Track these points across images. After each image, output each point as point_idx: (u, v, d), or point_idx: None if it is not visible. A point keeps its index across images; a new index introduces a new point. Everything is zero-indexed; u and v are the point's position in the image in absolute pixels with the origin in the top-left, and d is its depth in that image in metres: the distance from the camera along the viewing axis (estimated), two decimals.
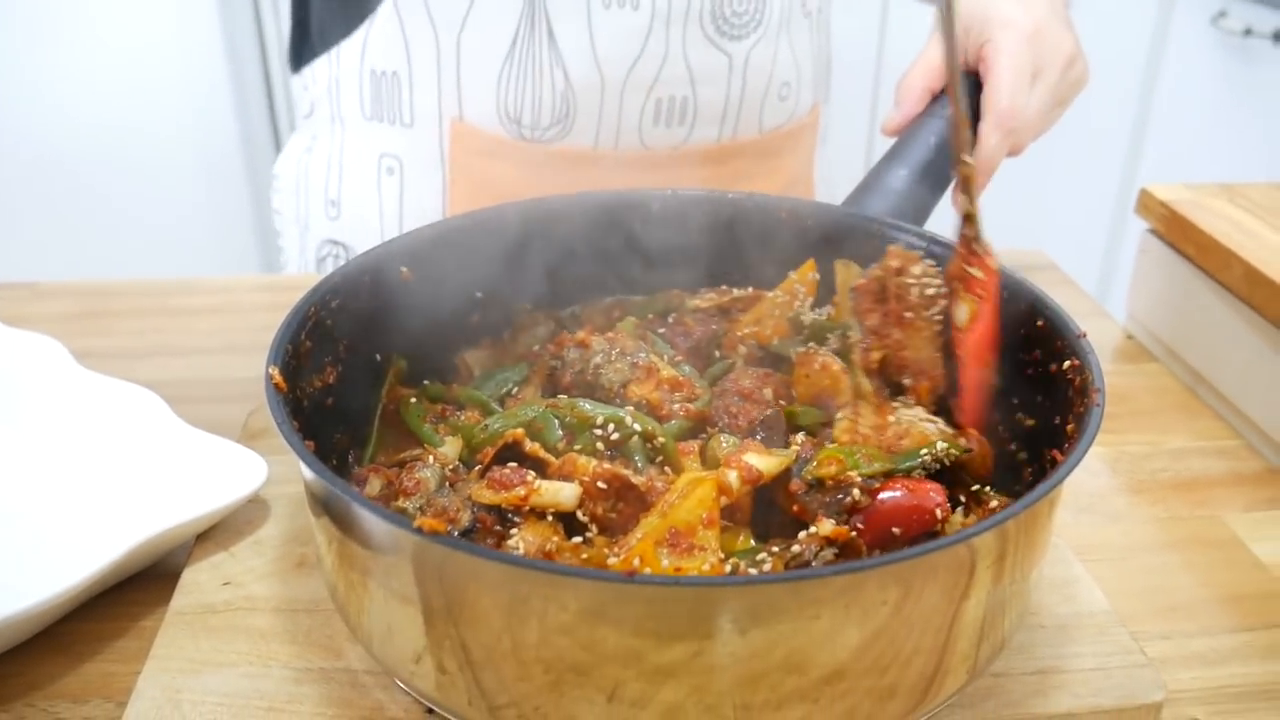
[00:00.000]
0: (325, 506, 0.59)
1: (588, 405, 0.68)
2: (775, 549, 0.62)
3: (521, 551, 0.59)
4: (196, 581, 0.76)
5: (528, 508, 0.62)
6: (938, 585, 0.53)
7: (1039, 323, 0.73)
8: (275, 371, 0.64)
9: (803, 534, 0.61)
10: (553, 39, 1.06)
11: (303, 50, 1.24)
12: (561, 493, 0.62)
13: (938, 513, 0.62)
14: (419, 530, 0.52)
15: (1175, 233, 1.06)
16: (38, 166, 2.45)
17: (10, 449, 0.85)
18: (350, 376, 0.76)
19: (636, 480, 0.62)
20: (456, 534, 0.61)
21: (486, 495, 0.62)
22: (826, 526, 0.61)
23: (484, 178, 1.14)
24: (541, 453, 0.65)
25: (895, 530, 0.62)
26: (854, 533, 0.61)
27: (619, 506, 0.62)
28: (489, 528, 0.62)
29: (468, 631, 0.54)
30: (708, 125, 1.14)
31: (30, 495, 0.81)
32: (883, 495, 0.63)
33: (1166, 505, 0.89)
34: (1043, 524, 0.60)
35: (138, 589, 0.76)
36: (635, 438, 0.66)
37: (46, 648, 0.71)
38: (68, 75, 2.39)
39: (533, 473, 0.63)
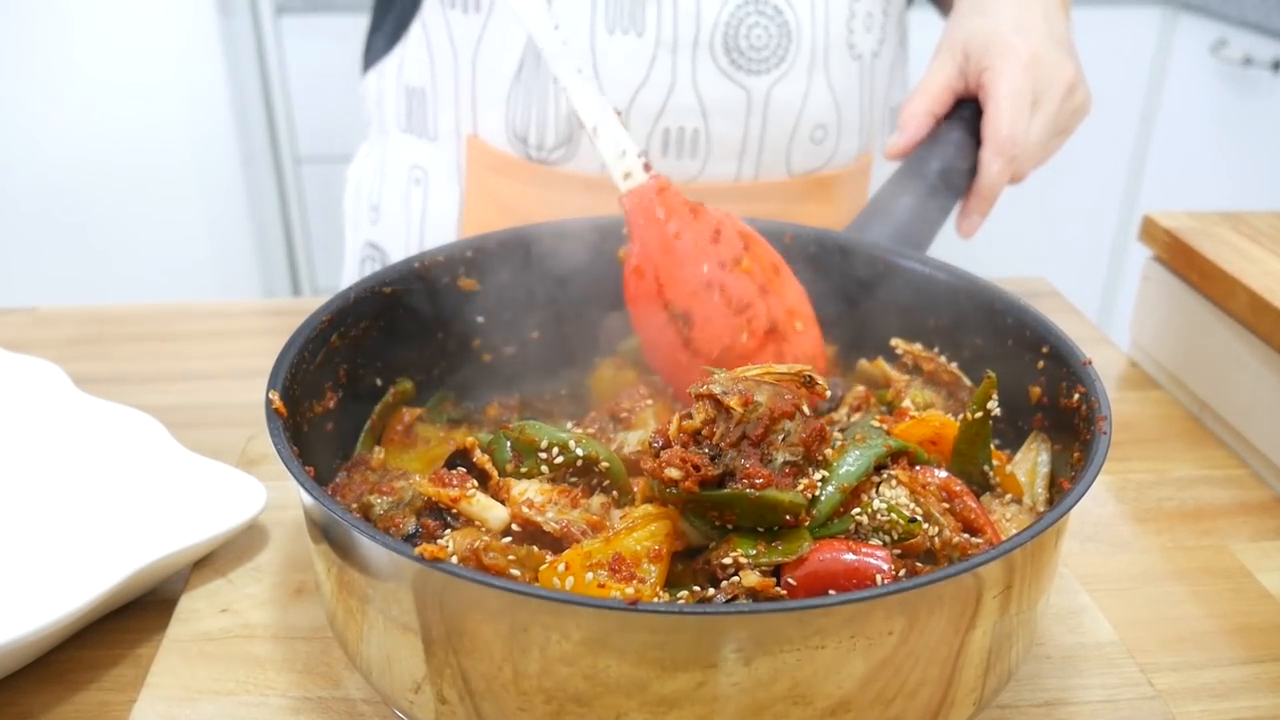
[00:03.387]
0: (325, 533, 0.59)
1: (533, 428, 0.67)
2: (696, 588, 0.60)
3: (451, 550, 0.58)
4: (194, 609, 0.75)
5: (460, 514, 0.62)
6: (944, 615, 0.53)
7: (1044, 349, 0.72)
8: (275, 396, 0.64)
9: (725, 583, 0.58)
10: None
11: (367, 61, 1.27)
12: (491, 511, 0.62)
13: (878, 578, 0.57)
14: (420, 557, 0.51)
15: (1179, 260, 1.06)
16: (38, 192, 2.45)
17: (8, 474, 0.84)
18: (351, 401, 0.76)
19: (550, 528, 0.61)
20: (400, 538, 0.62)
21: (425, 486, 0.63)
22: (751, 578, 0.57)
23: (497, 195, 1.15)
24: (488, 465, 0.66)
25: (831, 592, 0.56)
26: (783, 591, 0.57)
27: (528, 547, 0.61)
28: (431, 533, 0.62)
29: (468, 660, 0.53)
30: (723, 161, 1.11)
31: (27, 520, 0.80)
32: (822, 555, 0.58)
33: (1173, 534, 0.88)
34: (1049, 553, 0.60)
35: (134, 616, 0.76)
36: (579, 462, 0.66)
37: (41, 676, 0.70)
38: (69, 101, 2.40)
39: (474, 482, 0.64)
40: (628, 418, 0.72)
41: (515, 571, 0.58)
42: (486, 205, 1.16)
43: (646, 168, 0.75)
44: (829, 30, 1.09)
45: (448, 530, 0.62)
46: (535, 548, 0.60)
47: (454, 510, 0.63)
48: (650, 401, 0.74)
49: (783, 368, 0.64)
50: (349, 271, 1.37)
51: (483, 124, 1.13)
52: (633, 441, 0.71)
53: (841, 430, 0.68)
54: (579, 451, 0.66)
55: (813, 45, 1.09)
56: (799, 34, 1.07)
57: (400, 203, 1.24)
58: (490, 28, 1.09)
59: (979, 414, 0.67)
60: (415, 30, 1.15)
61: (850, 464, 0.63)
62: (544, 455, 0.66)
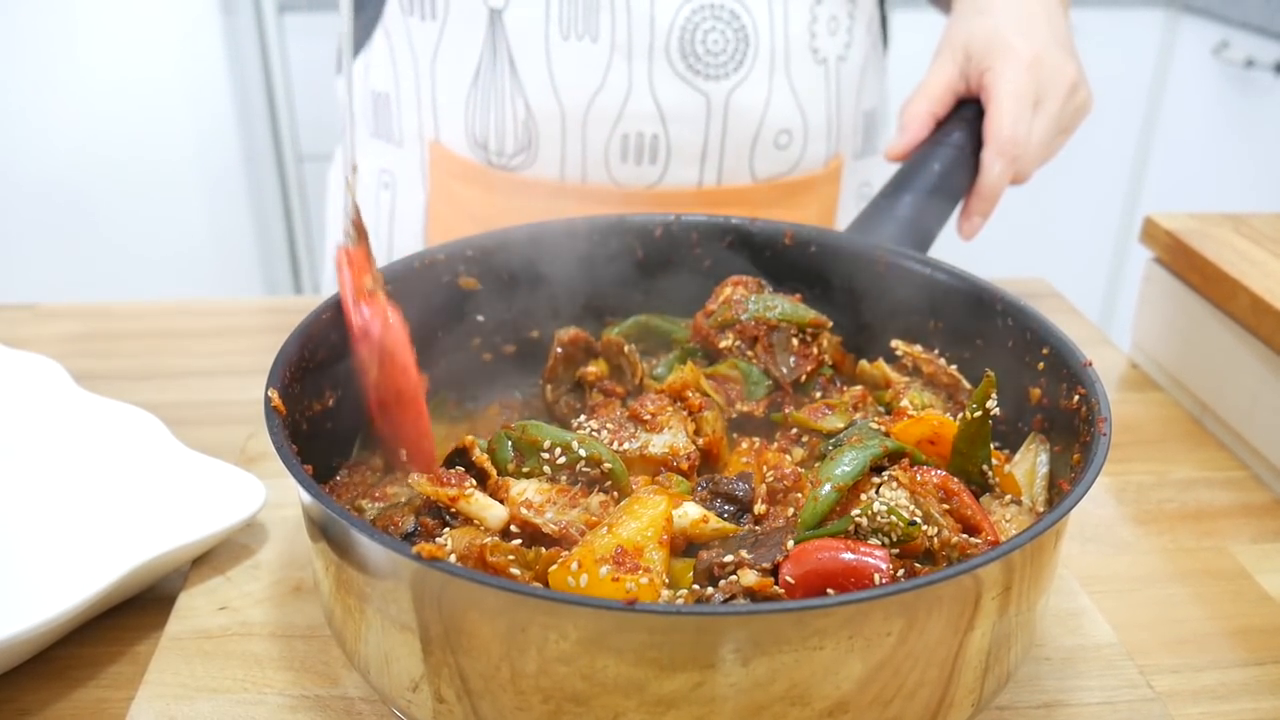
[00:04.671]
0: (323, 531, 0.59)
1: (536, 428, 0.68)
2: (695, 586, 0.60)
3: (450, 549, 0.58)
4: (192, 606, 0.75)
5: (458, 513, 0.62)
6: (942, 616, 0.53)
7: (1044, 351, 0.72)
8: (274, 394, 0.64)
9: (723, 582, 0.58)
10: (513, 68, 1.06)
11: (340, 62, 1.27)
12: (489, 511, 0.62)
13: (876, 577, 0.57)
14: (418, 556, 0.51)
15: (1180, 262, 1.06)
16: (39, 188, 2.45)
17: (8, 470, 0.84)
18: (349, 400, 0.75)
19: (549, 530, 0.61)
20: (399, 537, 0.62)
21: (424, 485, 0.63)
22: (749, 577, 0.57)
23: (459, 200, 1.15)
24: (486, 463, 0.66)
25: (829, 590, 0.56)
26: (780, 589, 0.57)
27: (537, 549, 0.61)
28: (430, 532, 0.62)
29: (466, 660, 0.53)
30: (684, 166, 1.11)
31: (26, 517, 0.80)
32: (821, 555, 0.58)
33: (1173, 536, 0.88)
34: (1049, 554, 0.59)
35: (133, 613, 0.75)
36: (581, 463, 0.66)
37: (40, 673, 0.70)
38: (71, 97, 2.40)
39: (473, 481, 0.63)
40: (651, 420, 0.73)
41: (516, 571, 0.58)
42: (450, 211, 1.16)
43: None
44: (789, 34, 1.08)
45: (446, 529, 0.62)
46: (544, 549, 0.60)
47: (453, 509, 0.63)
48: (673, 408, 0.75)
49: None
50: (329, 273, 1.36)
51: (444, 130, 1.13)
52: (658, 444, 0.71)
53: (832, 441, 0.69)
54: (581, 452, 0.66)
55: (772, 49, 1.08)
56: (756, 38, 1.06)
57: (371, 206, 1.24)
58: (447, 35, 1.08)
59: (979, 413, 0.67)
60: (379, 35, 1.15)
61: (846, 464, 0.63)
62: (546, 455, 0.66)
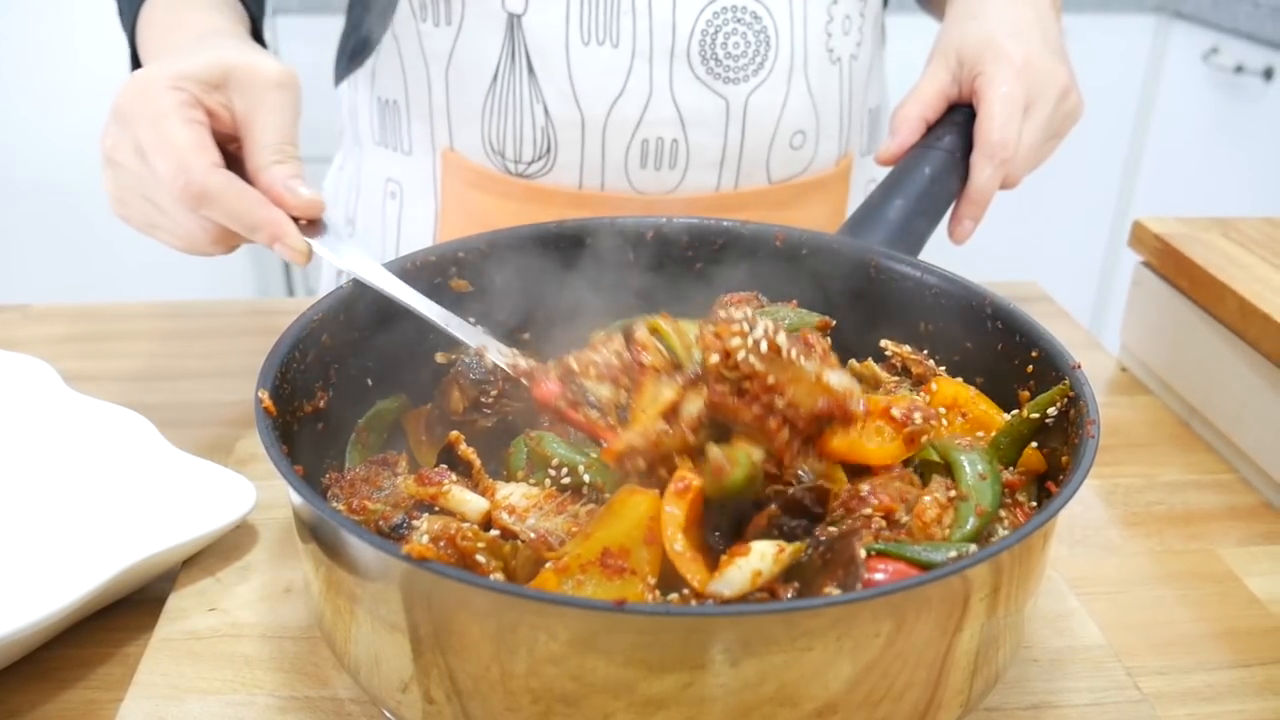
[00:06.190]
0: (313, 532, 0.59)
1: (550, 443, 0.68)
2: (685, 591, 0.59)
3: (424, 529, 0.58)
4: (182, 607, 0.75)
5: (439, 507, 0.64)
6: (931, 617, 0.53)
7: (1034, 353, 0.73)
8: (265, 395, 0.64)
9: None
10: (532, 74, 1.06)
11: (339, 71, 1.25)
12: (467, 504, 0.63)
13: None
14: (407, 556, 0.51)
15: (1169, 266, 1.07)
16: (30, 189, 2.45)
17: None
18: (341, 401, 0.75)
19: (526, 538, 0.61)
20: (388, 529, 0.63)
21: (411, 487, 0.64)
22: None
23: (474, 209, 1.14)
24: (471, 455, 0.67)
25: None
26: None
27: (514, 543, 0.61)
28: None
29: (455, 660, 0.53)
30: (703, 171, 1.10)
31: (16, 518, 0.80)
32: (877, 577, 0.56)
33: (1161, 538, 0.88)
34: (1037, 556, 0.60)
35: (123, 615, 0.75)
36: (585, 486, 0.66)
37: (29, 674, 0.70)
38: (64, 99, 2.40)
39: (453, 475, 0.65)
40: (823, 356, 0.68)
41: (481, 559, 0.58)
42: (463, 219, 1.15)
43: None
44: (807, 35, 1.08)
45: (425, 515, 0.62)
46: (520, 542, 0.60)
47: (437, 507, 0.64)
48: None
49: None
50: (326, 283, 1.35)
51: (458, 137, 1.12)
52: (836, 379, 0.64)
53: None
54: (585, 478, 0.66)
55: (791, 51, 1.08)
56: (777, 41, 1.06)
57: (376, 216, 1.23)
58: (462, 41, 1.07)
59: (1035, 415, 0.67)
60: (387, 42, 1.13)
61: (980, 479, 0.64)
62: (553, 473, 0.67)
